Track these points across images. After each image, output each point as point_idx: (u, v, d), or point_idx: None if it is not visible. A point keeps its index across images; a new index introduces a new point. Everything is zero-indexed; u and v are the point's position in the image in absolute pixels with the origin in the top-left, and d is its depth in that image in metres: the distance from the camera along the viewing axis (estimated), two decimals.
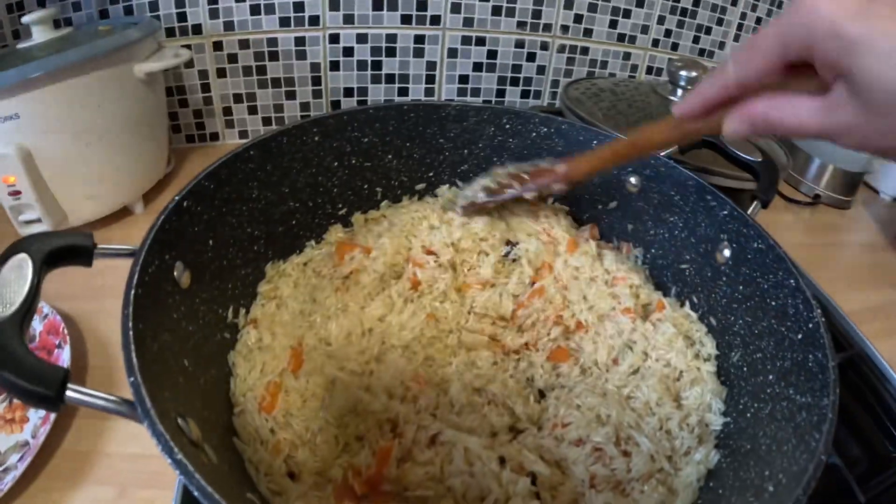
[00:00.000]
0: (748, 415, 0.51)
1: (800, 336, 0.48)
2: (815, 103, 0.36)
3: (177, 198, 0.50)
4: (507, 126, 0.70)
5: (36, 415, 0.60)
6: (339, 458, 0.50)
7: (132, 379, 0.36)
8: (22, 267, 0.41)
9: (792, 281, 0.51)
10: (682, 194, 0.63)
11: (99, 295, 0.68)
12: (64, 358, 0.63)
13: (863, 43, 0.31)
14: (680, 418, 0.52)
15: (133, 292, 0.42)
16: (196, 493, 0.32)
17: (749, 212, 0.59)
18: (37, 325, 0.67)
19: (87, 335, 0.69)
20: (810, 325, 0.48)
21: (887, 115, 0.32)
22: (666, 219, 0.65)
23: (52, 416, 0.58)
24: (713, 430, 0.52)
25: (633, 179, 0.67)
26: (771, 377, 0.50)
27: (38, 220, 0.78)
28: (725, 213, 0.59)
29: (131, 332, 0.39)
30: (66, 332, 0.65)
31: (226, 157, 0.55)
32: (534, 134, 0.69)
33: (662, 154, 0.65)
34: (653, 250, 0.67)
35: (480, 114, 0.69)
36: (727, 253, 0.59)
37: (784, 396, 0.47)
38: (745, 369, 0.54)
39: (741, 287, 0.57)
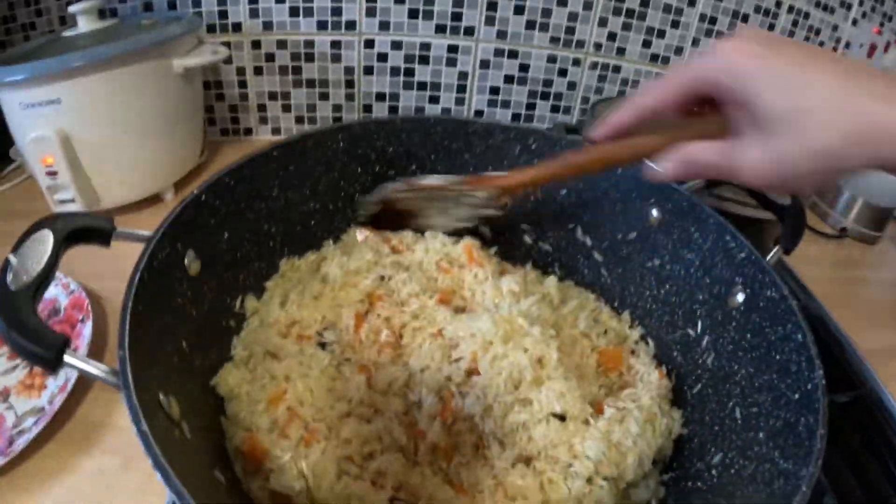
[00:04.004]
0: (732, 471, 0.49)
1: (797, 396, 0.47)
2: (721, 144, 0.42)
3: (195, 191, 0.52)
4: (534, 146, 0.69)
5: (55, 383, 0.63)
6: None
7: (121, 352, 0.39)
8: (44, 241, 0.44)
9: (800, 336, 0.49)
10: (701, 232, 0.61)
11: (124, 276, 0.71)
12: (85, 333, 0.66)
13: (757, 77, 0.38)
14: None
15: (139, 275, 0.45)
16: (151, 463, 0.35)
17: (769, 257, 0.56)
18: (63, 300, 0.71)
19: (110, 313, 0.72)
20: (809, 386, 0.46)
21: (780, 135, 0.38)
22: (683, 255, 0.63)
23: (70, 384, 0.60)
24: None
25: (654, 212, 0.66)
26: (761, 435, 0.48)
27: (72, 201, 0.81)
28: (743, 255, 0.57)
29: (129, 310, 0.42)
30: (89, 308, 0.68)
31: (251, 155, 0.57)
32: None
33: (686, 189, 0.64)
34: (667, 286, 0.65)
35: (507, 132, 0.69)
36: (740, 298, 0.57)
37: (768, 458, 0.46)
38: (739, 422, 0.52)
39: (749, 336, 0.54)
